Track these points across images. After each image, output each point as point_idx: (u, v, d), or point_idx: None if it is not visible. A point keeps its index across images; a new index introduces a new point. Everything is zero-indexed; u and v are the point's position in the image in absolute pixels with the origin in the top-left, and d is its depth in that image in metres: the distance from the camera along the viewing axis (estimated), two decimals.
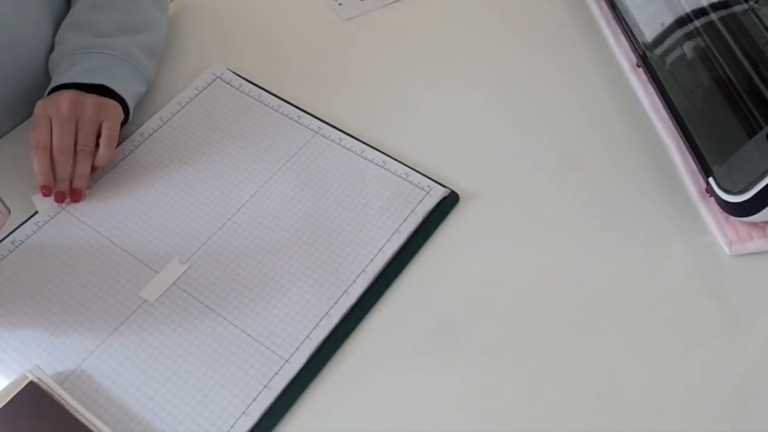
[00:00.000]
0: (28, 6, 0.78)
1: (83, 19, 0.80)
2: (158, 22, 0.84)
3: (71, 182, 0.73)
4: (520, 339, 0.66)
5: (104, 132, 0.73)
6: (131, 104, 0.77)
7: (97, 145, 0.73)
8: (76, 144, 0.72)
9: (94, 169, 0.74)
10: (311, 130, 0.80)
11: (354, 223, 0.73)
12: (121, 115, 0.76)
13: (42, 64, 0.80)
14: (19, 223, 0.73)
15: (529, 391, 0.64)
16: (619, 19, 0.87)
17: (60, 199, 0.73)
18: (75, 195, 0.73)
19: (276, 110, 0.82)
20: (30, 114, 0.82)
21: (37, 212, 0.74)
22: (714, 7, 0.79)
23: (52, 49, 0.81)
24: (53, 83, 0.75)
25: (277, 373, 0.64)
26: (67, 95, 0.73)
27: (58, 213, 0.74)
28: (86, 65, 0.76)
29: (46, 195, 0.72)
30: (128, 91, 0.77)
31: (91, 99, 0.73)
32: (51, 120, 0.72)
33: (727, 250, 0.71)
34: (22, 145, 0.75)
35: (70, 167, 0.72)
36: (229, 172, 0.77)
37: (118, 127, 0.75)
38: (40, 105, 0.73)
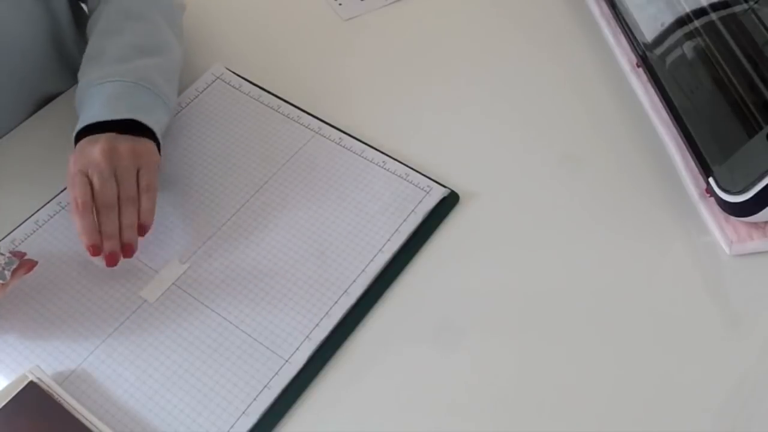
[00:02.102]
0: (25, 4, 0.78)
1: (98, 48, 0.76)
2: (173, 46, 0.80)
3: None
4: (520, 339, 0.66)
5: (143, 184, 0.68)
6: (160, 136, 0.72)
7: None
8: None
9: (140, 228, 0.68)
10: (311, 130, 0.80)
11: (354, 223, 0.73)
12: (158, 158, 0.71)
13: (38, 62, 0.80)
14: (19, 222, 0.73)
15: (529, 390, 0.64)
16: (619, 19, 0.87)
17: (113, 261, 0.66)
18: (127, 250, 0.67)
19: (276, 110, 0.82)
20: (29, 114, 0.83)
21: (37, 212, 0.74)
22: (714, 7, 0.79)
23: (48, 45, 0.80)
24: (79, 124, 0.70)
25: (277, 373, 0.64)
26: (99, 146, 0.67)
27: (57, 212, 0.74)
28: (107, 96, 0.71)
29: (95, 255, 0.65)
30: (156, 121, 0.72)
31: (125, 145, 0.68)
32: (87, 175, 0.66)
33: (727, 250, 0.71)
34: (22, 145, 0.75)
35: (117, 222, 0.66)
36: (229, 172, 0.77)
37: (157, 175, 0.70)
38: (72, 161, 0.67)
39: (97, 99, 0.71)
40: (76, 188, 0.66)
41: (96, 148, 0.67)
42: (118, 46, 0.75)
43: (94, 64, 0.75)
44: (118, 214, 0.66)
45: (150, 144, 0.70)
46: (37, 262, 0.66)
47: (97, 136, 0.69)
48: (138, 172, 0.68)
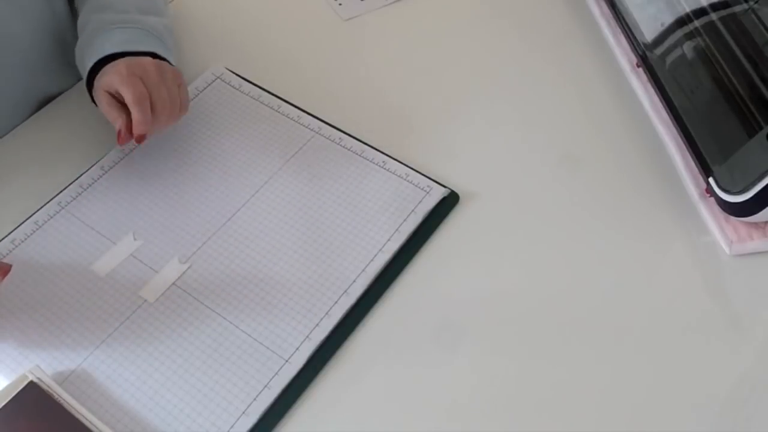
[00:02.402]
0: (26, 5, 0.78)
1: (103, 3, 0.78)
2: (167, 13, 0.83)
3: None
4: (520, 339, 0.66)
5: (183, 95, 0.73)
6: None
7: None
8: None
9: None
10: (311, 130, 0.80)
11: (354, 222, 0.73)
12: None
13: (38, 62, 0.80)
14: (19, 222, 0.73)
15: (530, 390, 0.64)
16: (619, 19, 0.87)
17: (142, 140, 0.70)
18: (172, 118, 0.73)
19: (276, 110, 0.82)
20: (29, 114, 0.83)
21: (37, 212, 0.74)
22: (714, 7, 0.79)
23: (49, 45, 0.80)
24: (97, 53, 0.73)
25: (277, 373, 0.64)
26: (149, 60, 0.72)
27: (57, 212, 0.74)
28: (124, 37, 0.74)
29: (139, 142, 0.70)
30: (170, 58, 0.76)
31: (169, 66, 0.73)
32: (142, 79, 0.70)
33: (727, 250, 0.71)
34: (22, 145, 0.75)
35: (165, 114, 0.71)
36: (229, 172, 0.77)
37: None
38: (124, 66, 0.71)
39: (114, 39, 0.74)
40: (136, 86, 0.69)
41: (146, 61, 0.72)
42: (124, 3, 0.78)
43: (102, 14, 0.77)
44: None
45: (182, 76, 0.75)
46: (10, 266, 0.66)
47: (138, 57, 0.72)
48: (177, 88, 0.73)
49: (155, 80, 0.71)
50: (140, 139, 0.70)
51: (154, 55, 0.74)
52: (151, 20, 0.78)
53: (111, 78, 0.71)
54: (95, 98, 0.73)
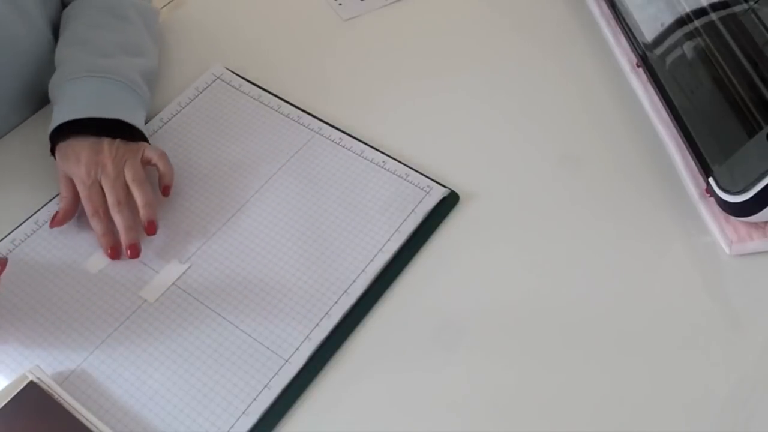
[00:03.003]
0: (25, 4, 0.78)
1: (83, 36, 0.77)
2: (151, 50, 0.82)
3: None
4: (520, 339, 0.66)
5: (146, 157, 0.72)
6: (147, 136, 0.75)
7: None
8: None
9: (165, 190, 0.73)
10: (311, 130, 0.80)
11: (354, 223, 0.73)
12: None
13: (38, 62, 0.80)
14: (19, 222, 0.73)
15: (530, 390, 0.64)
16: (619, 19, 0.87)
17: (135, 253, 0.69)
18: (150, 228, 0.70)
19: (276, 110, 0.82)
20: (30, 113, 0.83)
21: (37, 212, 0.74)
22: (714, 7, 0.79)
23: (48, 46, 0.80)
24: (65, 115, 0.71)
25: (277, 373, 0.64)
26: (106, 152, 0.70)
27: (57, 213, 0.73)
28: (90, 91, 0.73)
29: (115, 257, 0.70)
30: (140, 121, 0.75)
31: (126, 148, 0.71)
32: (100, 182, 0.70)
33: (727, 250, 0.71)
34: (22, 145, 0.75)
35: (131, 214, 0.70)
36: (229, 172, 0.77)
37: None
38: (83, 171, 0.70)
39: (80, 92, 0.73)
40: (94, 199, 0.70)
41: (104, 156, 0.70)
42: (103, 39, 0.77)
43: (78, 51, 0.76)
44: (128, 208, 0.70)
45: (143, 143, 0.73)
46: (6, 259, 0.67)
47: (96, 139, 0.71)
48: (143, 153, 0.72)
49: (112, 179, 0.69)
50: (115, 253, 0.70)
51: (119, 123, 0.72)
52: (129, 64, 0.76)
53: (71, 170, 0.70)
54: (57, 163, 0.72)
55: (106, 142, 0.71)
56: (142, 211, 0.70)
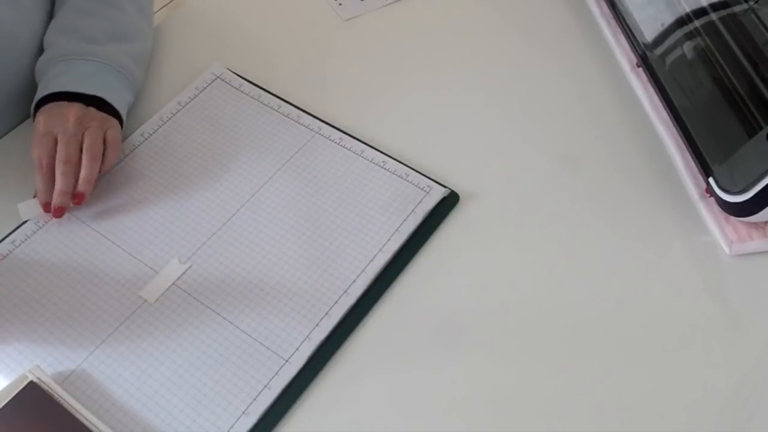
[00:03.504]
0: (24, 5, 0.78)
1: (71, 24, 0.79)
2: (144, 32, 0.83)
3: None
4: (520, 339, 0.66)
5: (108, 138, 0.73)
6: (124, 116, 0.77)
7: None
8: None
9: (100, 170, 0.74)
10: (311, 130, 0.80)
11: (354, 223, 0.73)
12: (119, 134, 0.76)
13: (36, 61, 0.80)
14: (19, 223, 0.73)
15: (530, 390, 0.64)
16: (619, 19, 0.87)
17: (59, 214, 0.71)
18: (77, 198, 0.71)
19: (276, 110, 0.82)
20: (29, 114, 0.83)
21: None
22: (714, 7, 0.79)
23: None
24: (44, 90, 0.74)
25: (277, 373, 0.64)
26: (73, 111, 0.72)
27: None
28: (78, 72, 0.75)
29: (47, 211, 0.71)
30: (122, 102, 0.77)
31: (96, 115, 0.73)
32: (55, 136, 0.71)
33: (727, 250, 0.71)
34: (22, 145, 0.75)
35: (73, 179, 0.71)
36: (229, 172, 0.77)
37: (121, 136, 0.75)
38: (41, 122, 0.72)
39: (66, 72, 0.74)
40: (40, 148, 0.71)
41: (70, 112, 0.72)
42: (93, 27, 0.78)
43: (66, 37, 0.77)
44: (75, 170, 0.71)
45: (114, 121, 0.75)
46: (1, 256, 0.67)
47: (67, 102, 0.73)
48: (105, 133, 0.73)
49: (68, 135, 0.71)
50: (48, 208, 0.71)
51: (100, 100, 0.74)
52: (118, 50, 0.78)
53: (37, 125, 0.72)
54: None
55: (76, 105, 0.73)
56: (80, 184, 0.71)
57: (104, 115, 0.74)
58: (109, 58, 0.76)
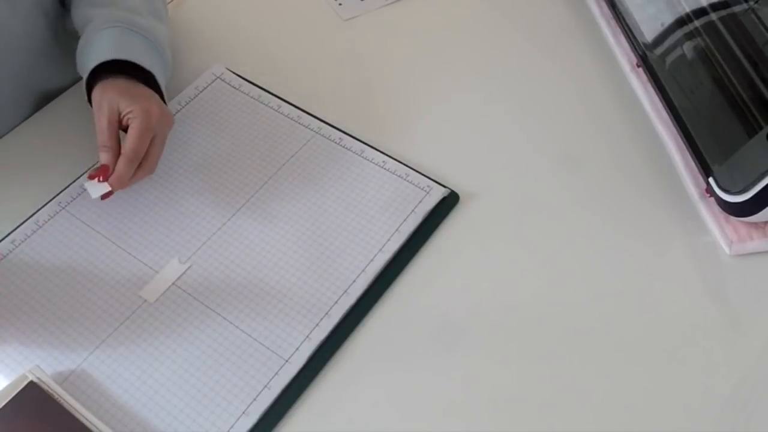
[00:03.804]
0: (21, 5, 0.78)
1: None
2: (166, 20, 0.82)
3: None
4: (520, 339, 0.66)
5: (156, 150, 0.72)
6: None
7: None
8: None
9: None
10: (311, 130, 0.80)
11: (354, 223, 0.73)
12: None
13: (36, 61, 0.80)
14: (19, 222, 0.73)
15: (530, 391, 0.64)
16: (619, 19, 0.87)
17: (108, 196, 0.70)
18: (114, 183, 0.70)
19: (276, 110, 0.82)
20: (29, 113, 0.83)
21: (37, 212, 0.74)
22: (714, 7, 0.79)
23: (47, 45, 0.80)
24: (99, 53, 0.70)
25: (277, 373, 0.64)
26: (157, 110, 0.70)
27: (57, 212, 0.74)
28: (129, 40, 0.72)
29: (93, 177, 0.69)
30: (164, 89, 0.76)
31: (168, 114, 0.72)
32: (155, 133, 0.70)
33: (727, 250, 0.71)
34: (22, 145, 0.75)
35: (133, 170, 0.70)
36: (229, 172, 0.77)
37: None
38: (156, 113, 0.69)
39: (119, 39, 0.72)
40: (144, 143, 0.69)
41: (155, 110, 0.70)
42: (132, 1, 0.76)
43: (105, 8, 0.75)
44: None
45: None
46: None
47: (152, 94, 0.71)
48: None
49: (161, 141, 0.71)
50: (107, 195, 0.69)
51: (154, 81, 0.73)
52: (158, 29, 0.76)
53: (132, 106, 0.69)
54: (93, 103, 0.71)
55: (157, 98, 0.72)
56: (137, 173, 0.70)
57: (170, 115, 0.73)
58: (154, 36, 0.74)
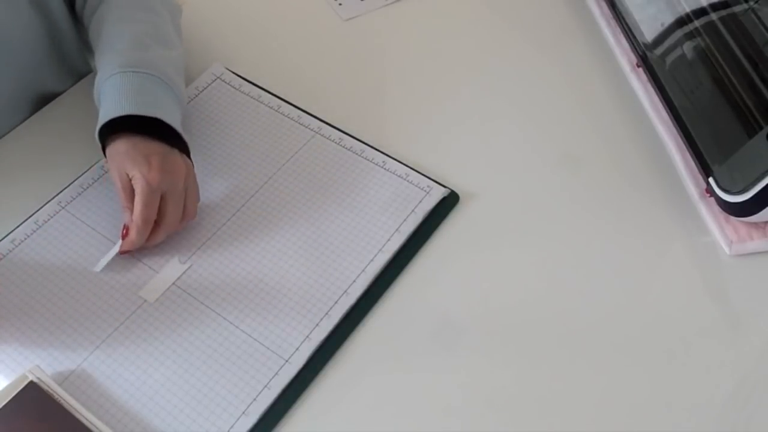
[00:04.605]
0: (21, 7, 0.78)
1: (115, 34, 0.75)
2: (178, 44, 0.80)
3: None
4: (520, 339, 0.66)
5: (194, 188, 0.71)
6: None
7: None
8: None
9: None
10: (311, 130, 0.80)
11: (354, 223, 0.73)
12: None
13: (36, 62, 0.80)
14: (19, 222, 0.73)
15: (530, 390, 0.64)
16: (619, 19, 0.87)
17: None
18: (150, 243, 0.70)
19: (276, 110, 0.82)
20: (29, 114, 0.83)
21: (37, 212, 0.74)
22: (714, 7, 0.79)
23: (46, 46, 0.80)
24: (112, 111, 0.69)
25: (277, 373, 0.64)
26: (180, 167, 0.69)
27: (57, 212, 0.73)
28: (134, 86, 0.70)
29: (124, 254, 0.69)
30: (180, 128, 0.72)
31: (189, 167, 0.71)
32: (164, 193, 0.68)
33: (727, 250, 0.71)
34: (22, 145, 0.75)
35: (146, 234, 0.69)
36: (228, 172, 0.77)
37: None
38: (155, 176, 0.67)
39: (123, 87, 0.70)
40: (151, 208, 0.67)
41: (178, 170, 0.69)
42: (136, 32, 0.75)
43: (112, 52, 0.74)
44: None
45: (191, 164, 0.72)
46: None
47: (170, 149, 0.69)
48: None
49: (177, 197, 0.69)
50: (124, 253, 0.69)
51: (170, 131, 0.71)
52: (163, 58, 0.74)
53: (133, 171, 0.67)
54: (108, 161, 0.70)
55: (177, 154, 0.70)
56: (157, 233, 0.69)
57: (190, 164, 0.71)
58: (159, 70, 0.72)
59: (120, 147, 0.69)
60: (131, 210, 0.68)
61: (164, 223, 0.69)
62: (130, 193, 0.68)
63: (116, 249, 0.69)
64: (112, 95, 0.70)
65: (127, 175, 0.68)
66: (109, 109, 0.70)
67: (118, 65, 0.72)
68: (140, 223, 0.67)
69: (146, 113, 0.69)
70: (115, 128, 0.70)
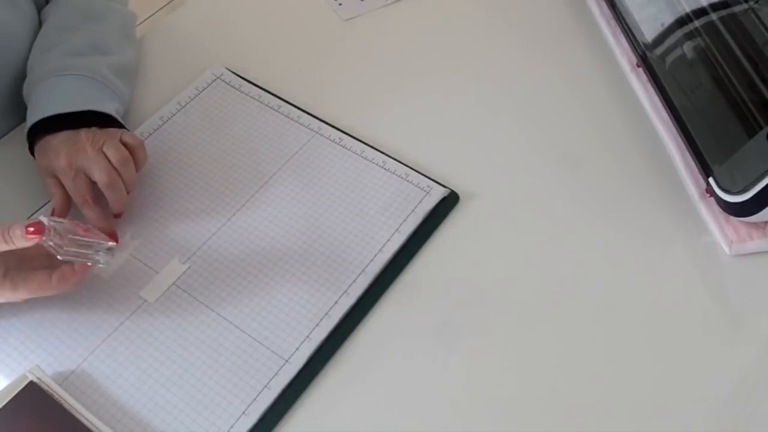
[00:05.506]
0: (22, 6, 0.78)
1: (53, 40, 0.78)
2: (125, 48, 0.82)
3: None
4: (520, 338, 0.66)
5: (129, 142, 0.72)
6: (121, 119, 0.76)
7: None
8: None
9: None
10: (311, 130, 0.80)
11: (354, 223, 0.73)
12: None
13: None
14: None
15: (530, 390, 0.64)
16: (619, 19, 0.87)
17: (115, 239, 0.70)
18: (118, 216, 0.72)
19: (276, 110, 0.82)
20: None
21: (36, 212, 0.74)
22: (714, 7, 0.79)
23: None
24: (37, 114, 0.72)
25: (277, 373, 0.64)
26: (83, 137, 0.70)
27: (53, 210, 0.73)
28: (63, 88, 0.73)
29: (115, 240, 0.68)
30: (112, 110, 0.75)
31: (103, 132, 0.71)
32: (85, 170, 0.70)
33: (727, 250, 0.71)
34: (21, 145, 0.75)
35: (123, 190, 0.70)
36: (229, 172, 0.77)
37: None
38: (64, 162, 0.70)
39: (52, 95, 0.73)
40: (80, 189, 0.70)
41: (80, 139, 0.70)
42: (75, 40, 0.77)
43: (47, 55, 0.76)
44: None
45: (119, 128, 0.74)
46: (41, 223, 0.64)
47: (74, 131, 0.71)
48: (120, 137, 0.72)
49: (95, 161, 0.69)
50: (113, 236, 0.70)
51: (92, 114, 0.73)
52: (99, 61, 0.77)
53: (52, 165, 0.71)
54: (37, 163, 0.73)
55: (82, 132, 0.71)
56: (140, 166, 0.72)
57: (111, 130, 0.72)
58: (91, 70, 0.75)
59: (46, 149, 0.72)
60: (57, 194, 0.71)
61: (103, 185, 0.70)
62: (55, 184, 0.72)
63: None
64: (41, 97, 0.74)
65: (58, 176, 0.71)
66: (34, 111, 0.73)
67: (52, 69, 0.75)
68: (81, 204, 0.70)
69: (68, 109, 0.72)
70: (44, 128, 0.72)
